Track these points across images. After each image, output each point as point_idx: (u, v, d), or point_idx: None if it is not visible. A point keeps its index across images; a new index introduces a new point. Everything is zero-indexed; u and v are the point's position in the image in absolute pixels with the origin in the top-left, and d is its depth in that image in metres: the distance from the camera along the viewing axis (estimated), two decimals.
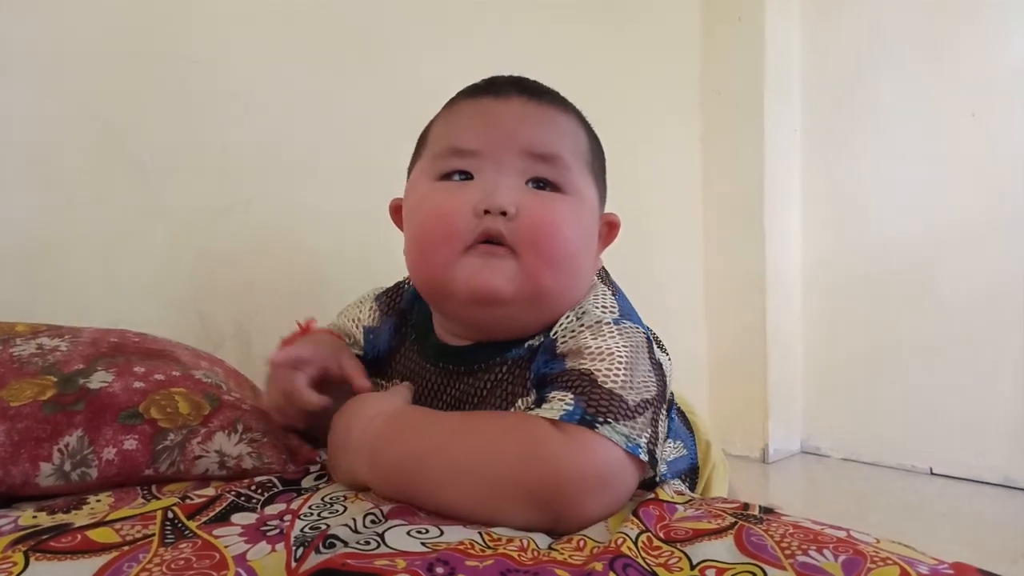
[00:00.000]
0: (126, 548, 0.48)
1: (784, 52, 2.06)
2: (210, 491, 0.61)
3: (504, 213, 0.63)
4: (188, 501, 0.57)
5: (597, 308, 0.67)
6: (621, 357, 0.61)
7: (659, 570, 0.46)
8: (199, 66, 1.20)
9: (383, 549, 0.46)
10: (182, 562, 0.46)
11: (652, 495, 0.61)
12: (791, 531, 0.50)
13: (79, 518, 0.56)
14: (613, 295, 0.70)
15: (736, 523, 0.51)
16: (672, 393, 0.70)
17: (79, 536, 0.49)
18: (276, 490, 0.62)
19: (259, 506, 0.58)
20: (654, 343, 0.67)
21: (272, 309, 1.22)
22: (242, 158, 1.25)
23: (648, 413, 0.60)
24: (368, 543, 0.47)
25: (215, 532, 0.51)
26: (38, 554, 0.46)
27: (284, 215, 1.28)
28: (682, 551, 0.49)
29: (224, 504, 0.57)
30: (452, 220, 0.64)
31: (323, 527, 0.51)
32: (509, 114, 0.67)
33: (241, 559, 0.46)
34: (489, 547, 0.48)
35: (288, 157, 1.30)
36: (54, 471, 0.65)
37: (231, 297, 1.19)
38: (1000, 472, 1.77)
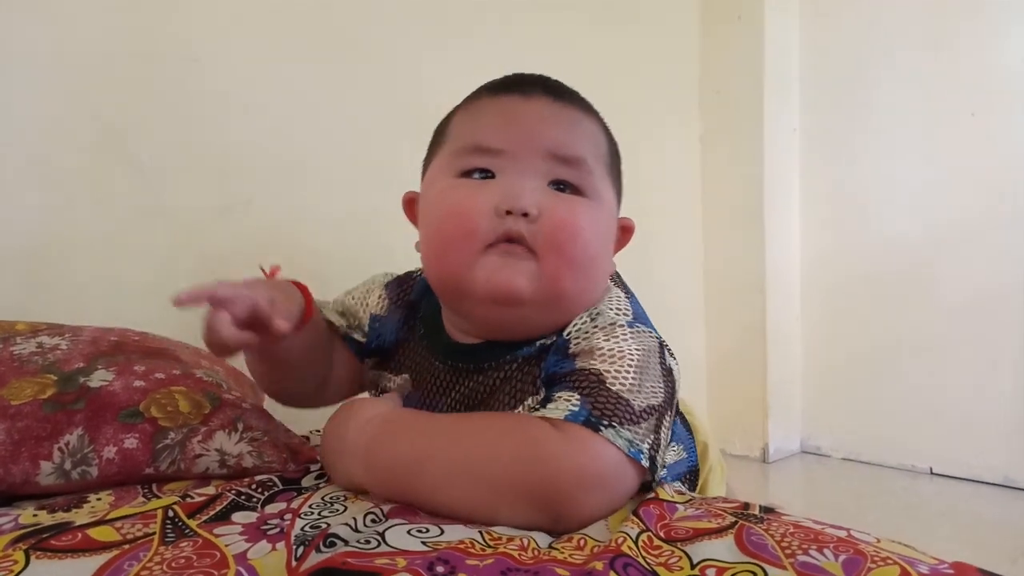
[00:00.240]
0: (127, 547, 0.48)
1: (783, 52, 2.06)
2: (211, 490, 0.61)
3: (526, 215, 0.63)
4: (189, 500, 0.57)
5: (611, 310, 0.67)
6: (632, 361, 0.61)
7: (659, 569, 0.46)
8: (199, 66, 1.20)
9: (383, 548, 0.46)
10: (183, 561, 0.46)
11: (652, 494, 0.61)
12: (791, 531, 0.50)
13: (80, 517, 0.56)
14: (627, 298, 0.70)
15: (736, 522, 0.51)
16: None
17: (80, 535, 0.49)
18: (276, 489, 0.62)
19: (259, 505, 0.58)
20: (665, 349, 0.67)
21: None
22: (242, 158, 1.25)
23: (652, 419, 0.60)
24: (368, 542, 0.47)
25: (216, 531, 0.51)
26: (39, 553, 0.46)
27: (284, 215, 1.28)
28: (682, 550, 0.49)
29: (225, 503, 0.57)
30: (472, 219, 0.63)
31: (324, 526, 0.51)
32: (534, 114, 0.67)
33: (242, 558, 0.46)
34: (489, 546, 0.48)
35: (288, 157, 1.31)
36: (54, 470, 0.65)
37: None
38: (1000, 472, 1.77)
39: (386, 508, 0.55)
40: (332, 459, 0.64)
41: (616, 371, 0.60)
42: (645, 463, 0.58)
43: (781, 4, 2.05)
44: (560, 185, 0.66)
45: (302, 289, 0.71)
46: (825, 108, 2.06)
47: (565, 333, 0.66)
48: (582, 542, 0.51)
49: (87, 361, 0.73)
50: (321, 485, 0.65)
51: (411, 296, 0.79)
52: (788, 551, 0.47)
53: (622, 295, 0.71)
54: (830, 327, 2.07)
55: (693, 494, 0.66)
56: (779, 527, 0.51)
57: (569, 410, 0.58)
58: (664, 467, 0.69)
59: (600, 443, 0.56)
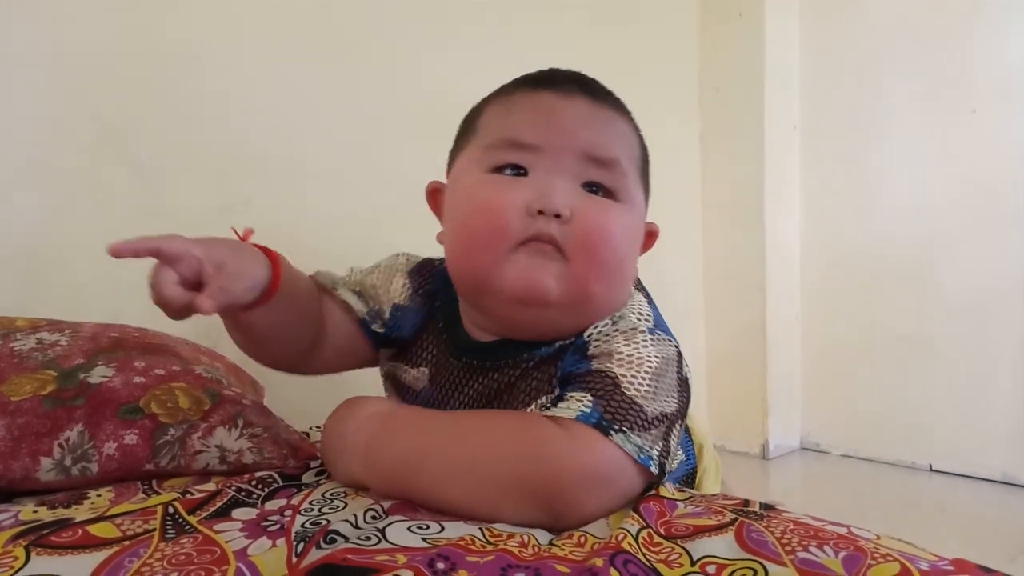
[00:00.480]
0: (127, 543, 0.48)
1: (784, 49, 2.06)
2: (211, 486, 0.61)
3: (558, 216, 0.62)
4: (189, 496, 0.57)
5: (633, 315, 0.67)
6: (650, 367, 0.61)
7: (660, 566, 0.46)
8: (199, 65, 1.20)
9: (384, 544, 0.46)
10: (183, 557, 0.46)
11: (653, 491, 0.61)
12: (792, 527, 0.50)
13: (80, 513, 0.56)
14: (648, 304, 0.70)
15: (737, 519, 0.52)
16: None
17: (80, 531, 0.49)
18: (277, 485, 0.62)
19: (260, 501, 0.58)
20: (683, 358, 0.66)
21: None
22: (242, 158, 1.25)
23: (663, 426, 0.60)
24: (369, 539, 0.47)
25: (216, 527, 0.51)
26: (39, 549, 0.46)
27: (283, 214, 1.28)
28: (683, 547, 0.49)
29: (225, 499, 0.57)
30: (503, 216, 0.62)
31: (324, 522, 0.51)
32: (571, 113, 0.65)
33: (242, 554, 0.46)
34: (490, 543, 0.48)
35: (288, 157, 1.30)
36: (54, 466, 0.65)
37: None
38: (999, 469, 1.77)
39: (386, 505, 0.55)
40: (332, 456, 0.64)
41: (632, 376, 0.60)
42: (655, 469, 0.58)
43: (781, 2, 2.05)
44: (593, 187, 0.65)
45: (272, 258, 0.65)
46: (825, 106, 2.06)
47: (586, 334, 0.65)
48: (582, 539, 0.51)
49: (87, 357, 0.73)
50: (321, 481, 0.65)
51: (431, 286, 0.77)
52: (788, 548, 0.47)
53: (644, 300, 0.70)
54: (830, 324, 2.07)
55: (693, 491, 0.66)
56: (779, 524, 0.51)
57: (581, 411, 0.57)
58: (668, 472, 0.68)
59: (606, 445, 0.56)
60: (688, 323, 2.13)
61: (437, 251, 0.75)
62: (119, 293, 1.08)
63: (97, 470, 0.66)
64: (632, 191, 0.67)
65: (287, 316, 0.69)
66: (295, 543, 0.48)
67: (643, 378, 0.60)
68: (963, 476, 1.82)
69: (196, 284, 0.58)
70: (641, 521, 0.53)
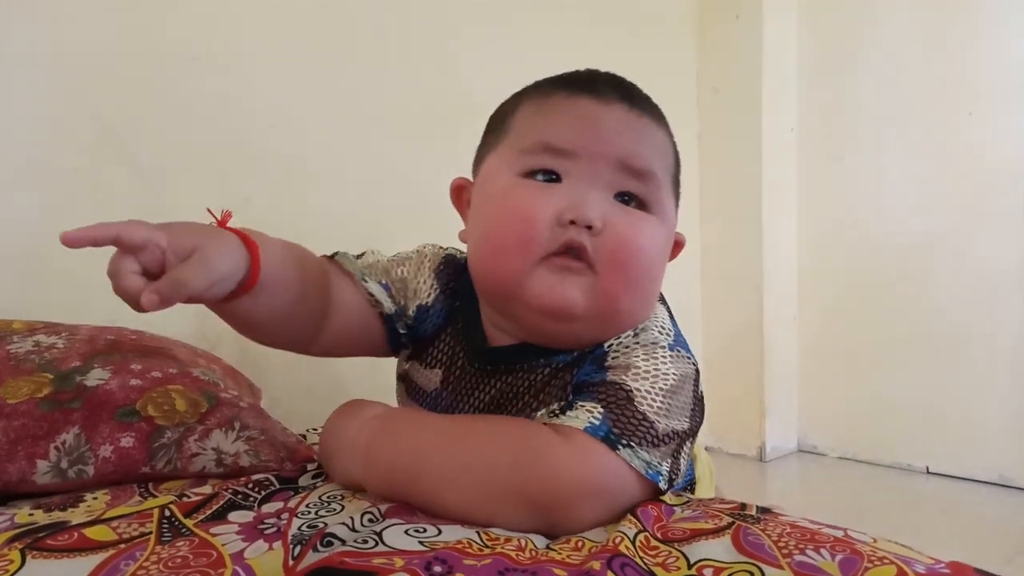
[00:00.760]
0: (123, 546, 0.48)
1: (782, 51, 2.06)
2: (207, 489, 0.60)
3: (590, 227, 0.60)
4: (185, 499, 0.57)
5: (655, 328, 0.66)
6: (666, 383, 0.60)
7: (657, 569, 0.46)
8: (199, 66, 1.20)
9: (381, 548, 0.46)
10: (179, 560, 0.45)
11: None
12: (788, 530, 0.50)
13: (76, 516, 0.56)
14: (669, 317, 0.69)
15: (733, 523, 0.52)
16: None
17: (76, 534, 0.49)
18: (273, 488, 0.62)
19: (256, 504, 0.58)
20: (700, 376, 0.66)
21: None
22: (241, 157, 1.25)
23: (673, 444, 0.60)
24: (366, 542, 0.47)
25: (212, 530, 0.51)
26: (35, 552, 0.46)
27: (282, 214, 1.28)
28: (680, 551, 0.49)
29: (221, 502, 0.57)
30: (533, 226, 0.61)
31: (321, 525, 0.51)
32: (610, 121, 0.64)
33: (238, 557, 0.46)
34: (487, 546, 0.48)
35: (287, 156, 1.30)
36: (51, 468, 0.65)
37: None
38: (996, 471, 1.77)
39: (383, 508, 0.55)
40: (331, 456, 0.64)
41: (647, 391, 0.59)
42: (664, 485, 0.58)
43: (779, 3, 2.05)
44: (625, 197, 0.64)
45: (250, 246, 0.59)
46: (823, 107, 2.06)
47: (606, 344, 0.64)
48: (580, 543, 0.51)
49: (83, 360, 0.73)
50: (318, 484, 0.64)
51: (455, 284, 0.74)
52: (785, 551, 0.47)
53: (665, 313, 0.70)
54: (827, 326, 2.07)
55: (690, 495, 0.66)
56: (776, 527, 0.51)
57: (590, 422, 0.57)
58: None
59: (612, 459, 0.56)
60: (685, 324, 2.11)
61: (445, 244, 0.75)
62: None
63: (93, 473, 0.66)
64: (665, 203, 0.66)
65: (278, 305, 0.64)
66: (292, 546, 0.48)
67: (658, 393, 0.60)
68: (960, 478, 1.82)
69: (160, 274, 0.53)
70: (638, 525, 0.53)
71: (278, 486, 0.63)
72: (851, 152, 2.01)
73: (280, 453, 0.71)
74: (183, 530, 0.51)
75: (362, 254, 0.74)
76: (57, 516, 0.57)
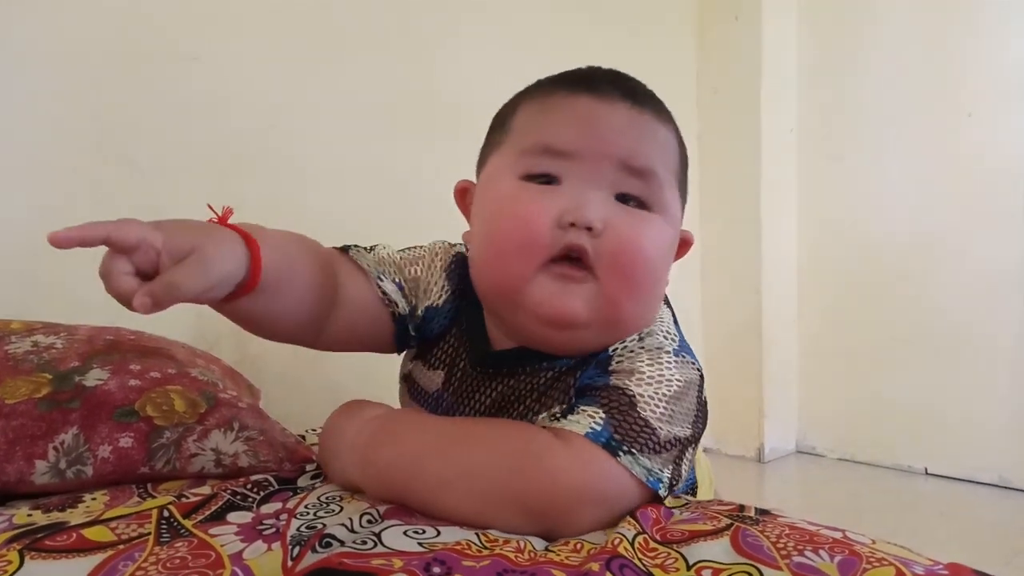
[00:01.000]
0: (121, 547, 0.48)
1: (781, 52, 2.07)
2: (206, 490, 0.60)
3: (590, 229, 0.59)
4: (184, 500, 0.57)
5: (660, 333, 0.65)
6: (669, 389, 0.60)
7: (655, 571, 0.46)
8: (198, 66, 1.20)
9: (380, 549, 0.46)
10: (178, 561, 0.45)
11: None
12: (787, 532, 0.50)
13: (74, 516, 0.56)
14: (673, 321, 0.69)
15: (732, 524, 0.52)
16: None
17: (74, 535, 0.49)
18: (272, 489, 0.62)
19: (255, 505, 0.58)
20: (704, 382, 0.65)
21: None
22: (240, 157, 1.25)
23: (675, 450, 0.59)
24: (365, 543, 0.47)
25: (211, 531, 0.51)
26: (33, 553, 0.46)
27: (280, 214, 1.28)
28: (678, 552, 0.49)
29: (220, 503, 0.57)
30: (533, 229, 0.59)
31: (319, 526, 0.51)
32: (611, 120, 0.62)
33: (237, 558, 0.46)
34: (486, 547, 0.48)
35: (286, 156, 1.30)
36: (49, 469, 0.65)
37: None
38: (995, 472, 1.78)
39: (382, 509, 0.55)
40: (329, 456, 0.63)
41: (650, 397, 0.59)
42: (664, 491, 0.58)
43: (779, 4, 2.05)
44: (627, 197, 0.62)
45: (252, 246, 0.57)
46: (822, 108, 2.06)
47: (610, 348, 0.64)
48: (578, 545, 0.51)
49: (82, 360, 0.73)
50: (317, 485, 0.64)
51: (462, 284, 0.73)
52: (784, 552, 0.47)
53: (670, 317, 0.69)
54: (826, 327, 2.07)
55: (689, 498, 0.66)
56: (774, 528, 0.51)
57: (591, 428, 0.56)
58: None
59: (613, 466, 0.55)
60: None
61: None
62: None
63: (92, 473, 0.65)
64: (668, 202, 0.64)
65: (281, 303, 0.63)
66: (290, 547, 0.48)
67: (661, 399, 0.59)
68: (959, 480, 1.82)
69: (154, 275, 0.52)
70: (637, 526, 0.53)
71: (277, 487, 0.63)
72: (851, 152, 2.01)
73: (279, 453, 0.71)
74: (182, 531, 0.51)
75: (373, 247, 0.73)
76: (56, 517, 0.57)
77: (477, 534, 0.51)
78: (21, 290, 1.02)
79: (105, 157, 1.11)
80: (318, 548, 0.47)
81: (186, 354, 0.86)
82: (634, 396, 0.58)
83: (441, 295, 0.72)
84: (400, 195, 1.44)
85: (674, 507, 0.59)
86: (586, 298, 0.60)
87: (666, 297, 0.71)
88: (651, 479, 0.57)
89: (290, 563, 0.45)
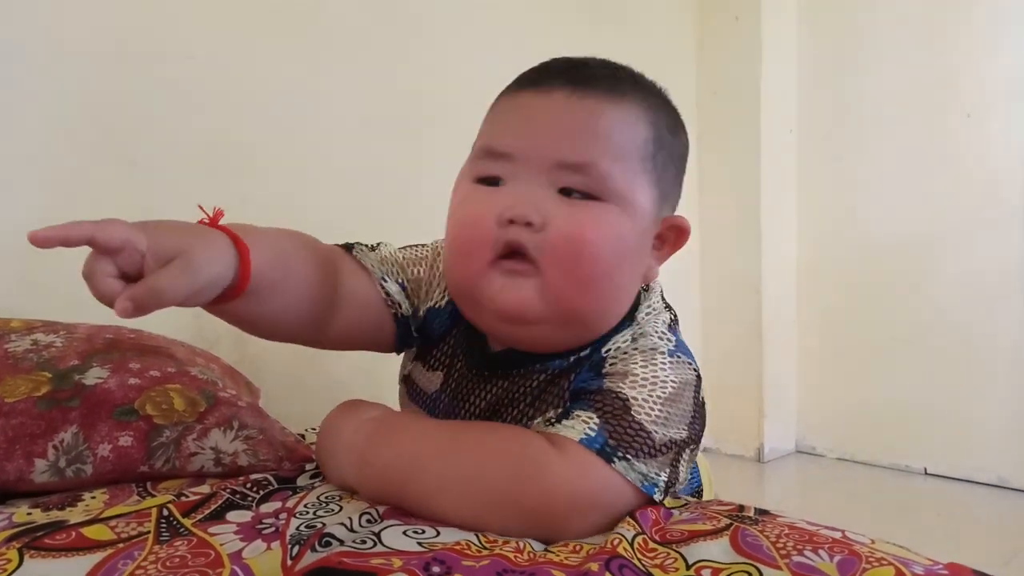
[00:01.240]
0: (121, 545, 0.48)
1: (781, 52, 2.07)
2: (205, 489, 0.60)
3: (530, 224, 0.58)
4: (183, 499, 0.57)
5: (655, 335, 0.64)
6: (664, 391, 0.59)
7: (655, 571, 0.46)
8: (197, 66, 1.20)
9: (379, 548, 0.46)
10: (177, 560, 0.45)
11: None
12: (786, 532, 0.50)
13: (74, 515, 0.56)
14: (671, 325, 0.68)
15: (731, 524, 0.52)
16: None
17: (74, 533, 0.49)
18: (271, 488, 0.62)
19: (254, 504, 0.58)
20: (701, 382, 0.64)
21: None
22: (239, 157, 1.25)
23: (671, 453, 0.59)
24: (364, 542, 0.47)
25: (210, 530, 0.51)
26: (32, 551, 0.46)
27: (280, 214, 1.28)
28: (678, 552, 0.49)
29: (219, 502, 0.57)
30: (479, 229, 0.60)
31: (319, 526, 0.51)
32: (544, 115, 0.61)
33: (237, 557, 0.46)
34: (485, 547, 0.48)
35: (284, 156, 1.30)
36: (49, 467, 0.65)
37: None
38: (993, 472, 1.78)
39: (382, 508, 0.55)
40: (326, 458, 0.63)
41: (644, 399, 0.58)
42: (659, 497, 0.57)
43: (778, 5, 2.05)
44: (570, 191, 0.60)
45: (241, 249, 0.56)
46: (822, 109, 2.06)
47: (604, 350, 0.63)
48: (578, 546, 0.51)
49: (82, 359, 0.73)
50: (316, 484, 0.64)
51: None
52: (783, 552, 0.47)
53: (666, 316, 0.68)
54: (826, 328, 2.07)
55: (688, 498, 0.66)
56: (774, 528, 0.51)
57: (586, 434, 0.56)
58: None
59: (609, 473, 0.55)
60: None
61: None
62: None
63: (91, 472, 0.66)
64: (623, 188, 0.60)
65: (275, 305, 0.62)
66: (290, 546, 0.48)
67: (655, 402, 0.58)
68: (958, 480, 1.83)
69: (139, 278, 0.50)
70: (637, 527, 0.53)
71: (276, 486, 0.63)
72: (851, 152, 2.01)
73: (278, 452, 0.71)
74: (181, 530, 0.51)
75: (377, 246, 0.73)
76: (55, 515, 0.57)
77: (477, 534, 0.51)
78: (21, 289, 1.02)
79: (105, 157, 1.11)
80: (317, 547, 0.47)
81: (186, 353, 0.86)
82: (628, 399, 0.58)
83: (443, 296, 0.72)
84: (400, 195, 1.44)
85: (673, 507, 0.59)
86: (534, 292, 0.59)
87: (668, 304, 0.71)
88: (646, 484, 0.56)
89: (289, 562, 0.45)
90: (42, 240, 0.49)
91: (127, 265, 0.50)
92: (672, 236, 0.68)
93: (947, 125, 1.84)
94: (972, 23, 1.80)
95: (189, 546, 0.48)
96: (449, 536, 0.50)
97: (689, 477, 0.81)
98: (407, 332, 0.72)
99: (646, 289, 0.69)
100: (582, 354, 0.64)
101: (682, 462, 0.60)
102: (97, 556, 0.46)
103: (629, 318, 0.66)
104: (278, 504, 0.57)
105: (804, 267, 2.11)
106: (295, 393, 1.24)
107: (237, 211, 1.31)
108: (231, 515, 0.54)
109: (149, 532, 0.50)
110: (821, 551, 0.46)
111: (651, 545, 0.50)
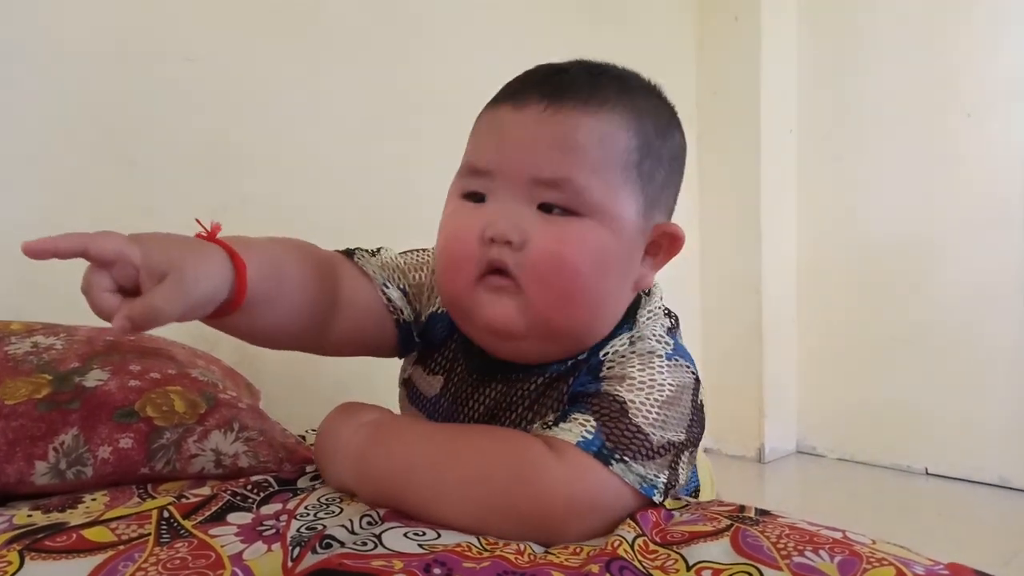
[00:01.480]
0: (121, 547, 0.48)
1: (781, 53, 2.07)
2: (206, 490, 0.60)
3: (509, 243, 0.59)
4: (184, 500, 0.57)
5: (653, 338, 0.64)
6: (662, 394, 0.59)
7: (655, 572, 0.46)
8: (197, 66, 1.20)
9: (380, 550, 0.46)
10: (178, 561, 0.45)
11: None
12: (787, 532, 0.50)
13: (74, 517, 0.56)
14: (671, 331, 0.68)
15: (732, 525, 0.52)
16: None
17: (74, 535, 0.49)
18: (272, 490, 0.62)
19: (255, 506, 0.58)
20: (700, 385, 0.64)
21: None
22: (238, 157, 1.25)
23: (670, 455, 0.59)
24: (365, 544, 0.47)
25: (211, 532, 0.51)
26: (33, 553, 0.46)
27: (279, 214, 1.28)
28: (678, 553, 0.49)
29: (220, 504, 0.57)
30: (464, 244, 0.60)
31: (320, 527, 0.51)
32: (519, 131, 0.61)
33: (237, 559, 0.46)
34: (486, 549, 0.48)
35: (283, 156, 1.30)
36: (49, 469, 0.65)
37: None
38: (994, 472, 1.78)
39: (382, 511, 0.55)
40: (324, 461, 0.63)
41: (642, 402, 0.58)
42: (658, 498, 0.57)
43: (778, 5, 2.05)
44: (549, 206, 0.60)
45: (237, 264, 0.56)
46: (822, 109, 2.06)
47: (602, 353, 0.63)
48: (578, 548, 0.51)
49: (82, 361, 0.73)
50: (317, 486, 0.64)
51: None
52: (784, 552, 0.47)
53: (665, 319, 0.68)
54: (826, 328, 2.07)
55: (689, 499, 0.66)
56: (774, 529, 0.51)
57: (583, 436, 0.56)
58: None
59: (606, 476, 0.55)
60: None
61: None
62: None
63: (92, 474, 0.65)
64: (603, 201, 0.60)
65: (272, 317, 0.62)
66: (291, 548, 0.48)
67: (653, 405, 0.58)
68: (959, 480, 1.83)
69: (135, 292, 0.50)
70: (637, 528, 0.53)
71: (277, 487, 0.63)
72: (851, 152, 2.01)
73: (279, 454, 0.71)
74: (182, 531, 0.51)
75: (378, 251, 0.73)
76: (56, 517, 0.57)
77: (477, 536, 0.51)
78: (21, 289, 1.02)
79: (105, 157, 1.11)
80: (318, 549, 0.47)
81: (186, 354, 0.86)
82: (625, 402, 0.58)
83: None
84: (399, 195, 1.44)
85: (674, 508, 0.59)
86: (517, 309, 0.60)
87: (669, 310, 0.70)
88: (645, 486, 0.56)
89: (290, 564, 0.45)
90: (35, 251, 0.50)
91: (123, 278, 0.50)
92: (666, 243, 0.67)
93: (947, 125, 1.84)
94: (972, 23, 1.80)
95: (190, 548, 0.48)
96: (450, 538, 0.50)
97: (689, 479, 0.81)
98: (409, 337, 0.72)
99: (647, 293, 0.69)
100: (580, 358, 0.64)
101: (681, 464, 0.60)
102: (98, 558, 0.46)
103: (628, 322, 0.66)
104: (279, 506, 0.57)
105: (804, 267, 2.11)
106: (295, 395, 1.24)
107: (237, 211, 1.33)
108: (232, 517, 0.54)
109: (150, 534, 0.50)
110: (822, 551, 0.46)
111: (651, 546, 0.50)
